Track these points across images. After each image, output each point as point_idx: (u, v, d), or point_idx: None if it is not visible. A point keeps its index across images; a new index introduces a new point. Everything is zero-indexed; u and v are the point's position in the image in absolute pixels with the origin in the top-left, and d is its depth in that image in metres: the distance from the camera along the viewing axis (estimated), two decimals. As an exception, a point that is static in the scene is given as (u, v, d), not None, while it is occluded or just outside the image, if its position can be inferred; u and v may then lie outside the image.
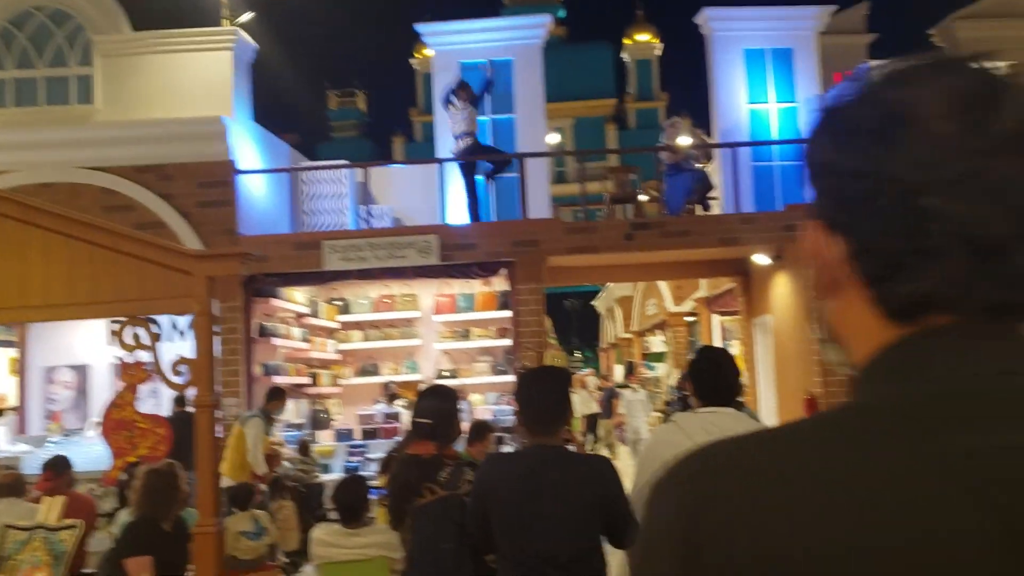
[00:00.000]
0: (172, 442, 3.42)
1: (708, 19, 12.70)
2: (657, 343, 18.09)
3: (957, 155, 0.66)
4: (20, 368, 11.33)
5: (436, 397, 4.32)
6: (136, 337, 3.39)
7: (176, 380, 3.37)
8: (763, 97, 12.78)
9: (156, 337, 3.37)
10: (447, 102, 11.21)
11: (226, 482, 8.30)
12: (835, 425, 0.67)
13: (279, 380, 10.53)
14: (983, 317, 0.66)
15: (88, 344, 10.77)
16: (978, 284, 0.66)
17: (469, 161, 11.05)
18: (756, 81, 12.78)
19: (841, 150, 0.71)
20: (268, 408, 8.71)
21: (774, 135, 12.68)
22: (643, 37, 35.75)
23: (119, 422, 3.41)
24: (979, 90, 0.68)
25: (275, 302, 10.81)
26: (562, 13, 36.81)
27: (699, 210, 11.60)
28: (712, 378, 3.36)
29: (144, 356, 3.39)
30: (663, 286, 16.98)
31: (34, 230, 3.40)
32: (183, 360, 3.38)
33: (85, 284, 3.42)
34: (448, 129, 11.63)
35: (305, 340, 11.23)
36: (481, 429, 6.80)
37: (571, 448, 4.06)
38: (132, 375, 3.47)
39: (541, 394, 3.34)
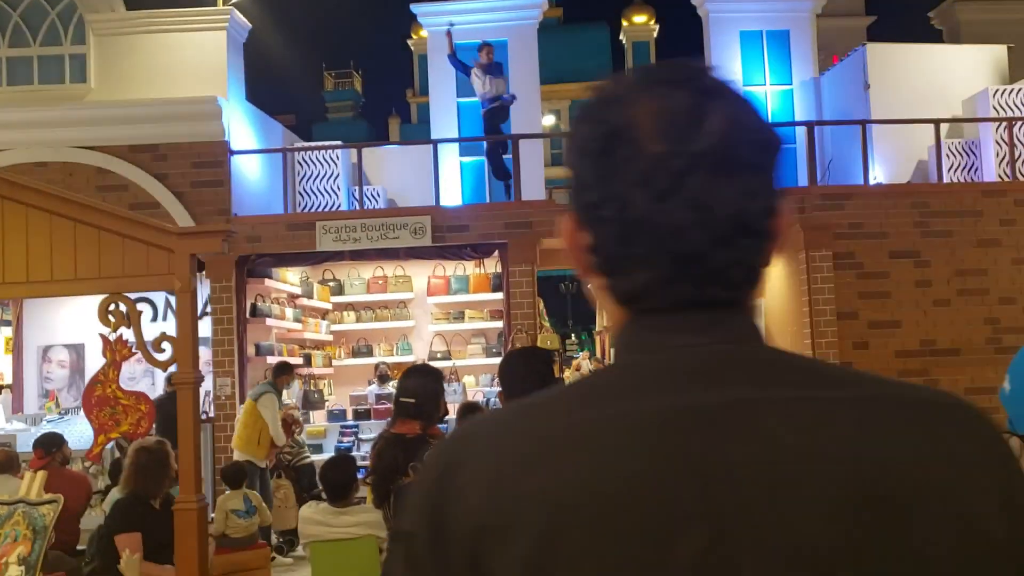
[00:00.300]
0: (155, 419, 3.45)
1: (705, 0, 12.66)
2: (652, 326, 18.16)
3: (662, 172, 0.75)
4: (15, 347, 11.36)
5: (420, 376, 4.35)
6: (120, 314, 3.41)
7: (159, 357, 3.39)
8: (759, 79, 12.76)
9: (139, 314, 3.39)
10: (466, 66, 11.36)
11: (237, 456, 8.41)
12: (567, 392, 0.80)
13: (272, 360, 10.57)
14: (685, 308, 0.78)
15: (83, 323, 10.79)
16: (680, 283, 0.77)
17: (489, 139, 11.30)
18: (752, 63, 12.75)
19: (578, 162, 0.80)
20: (277, 382, 8.84)
21: (769, 117, 12.66)
22: (640, 19, 35.52)
23: (102, 399, 3.44)
24: (684, 109, 0.76)
25: (268, 282, 10.83)
26: (558, -7, 36.70)
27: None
28: None
29: (127, 333, 3.42)
30: (658, 269, 17.01)
31: (17, 207, 3.41)
32: (165, 337, 3.40)
33: (68, 261, 3.44)
34: (442, 106, 11.69)
35: (298, 320, 11.25)
36: (470, 410, 6.83)
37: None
38: (115, 352, 3.49)
39: (521, 373, 3.36)
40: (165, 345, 3.39)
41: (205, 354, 10.67)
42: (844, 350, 10.27)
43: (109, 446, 8.14)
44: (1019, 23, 16.15)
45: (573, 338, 34.78)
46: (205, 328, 10.53)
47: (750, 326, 0.80)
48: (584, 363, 17.56)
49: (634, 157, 0.75)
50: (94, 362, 10.86)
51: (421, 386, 4.25)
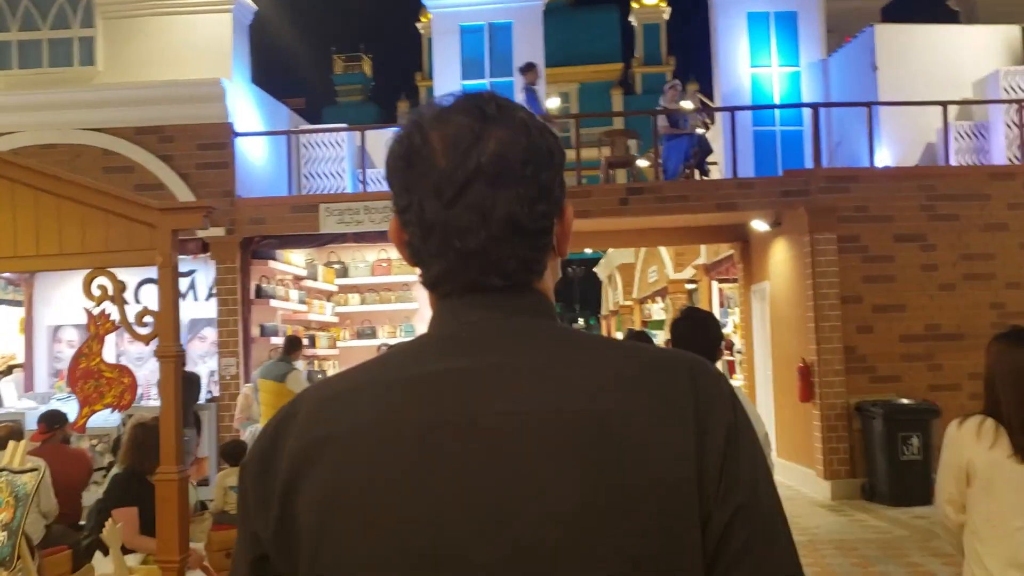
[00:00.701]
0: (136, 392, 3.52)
1: (712, -18, 12.58)
2: (657, 310, 18.07)
3: (448, 184, 0.92)
4: (27, 327, 11.51)
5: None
6: (103, 288, 3.47)
7: (141, 331, 3.45)
8: (766, 60, 12.68)
9: (123, 288, 3.44)
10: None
11: None
12: (379, 357, 0.98)
13: (276, 341, 10.66)
14: (470, 292, 0.95)
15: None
16: (465, 274, 0.95)
17: None
18: (759, 44, 12.66)
19: (390, 175, 0.98)
20: (291, 357, 9.02)
21: (776, 99, 12.59)
22: (651, 1, 35.39)
23: (86, 371, 3.50)
24: (466, 132, 0.93)
25: (273, 264, 10.90)
26: (568, -23, 36.71)
27: (697, 175, 11.56)
28: (692, 339, 3.41)
29: (111, 307, 3.48)
30: (664, 253, 16.95)
31: (3, 182, 3.47)
32: (147, 311, 3.46)
33: (53, 236, 3.50)
34: (446, 89, 11.63)
35: (303, 302, 11.33)
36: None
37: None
38: (98, 326, 3.55)
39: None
40: (147, 319, 3.45)
41: (211, 334, 10.79)
42: (848, 334, 10.23)
43: (116, 423, 8.26)
44: (1035, 4, 15.88)
45: (581, 322, 34.77)
46: (210, 309, 10.64)
47: (526, 305, 0.96)
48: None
49: (428, 172, 0.93)
50: (101, 342, 11.02)
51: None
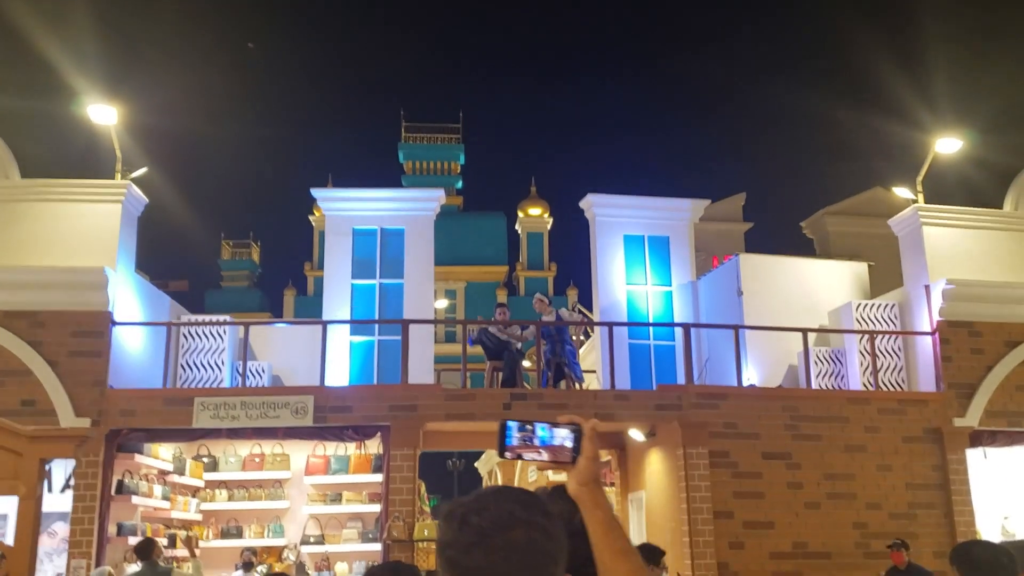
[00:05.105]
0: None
1: (592, 204, 13.44)
2: (536, 512, 17.86)
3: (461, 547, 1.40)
4: None
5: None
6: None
7: (-10, 567, 3.21)
8: (640, 280, 13.45)
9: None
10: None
11: None
12: None
13: (134, 541, 9.99)
14: None
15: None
16: None
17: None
18: (634, 264, 13.47)
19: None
20: (156, 558, 8.60)
21: (650, 316, 13.25)
22: (535, 211, 37.83)
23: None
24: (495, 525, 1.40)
25: (139, 458, 10.39)
26: (459, 184, 39.04)
27: (576, 384, 11.88)
28: None
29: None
30: (545, 454, 16.99)
31: None
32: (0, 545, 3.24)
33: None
34: (336, 285, 11.79)
35: (166, 498, 10.73)
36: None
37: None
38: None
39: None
40: (-1, 554, 3.22)
41: (62, 530, 10.03)
42: (721, 550, 10.36)
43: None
44: (882, 237, 17.58)
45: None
46: (65, 502, 9.94)
47: None
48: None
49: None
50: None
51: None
